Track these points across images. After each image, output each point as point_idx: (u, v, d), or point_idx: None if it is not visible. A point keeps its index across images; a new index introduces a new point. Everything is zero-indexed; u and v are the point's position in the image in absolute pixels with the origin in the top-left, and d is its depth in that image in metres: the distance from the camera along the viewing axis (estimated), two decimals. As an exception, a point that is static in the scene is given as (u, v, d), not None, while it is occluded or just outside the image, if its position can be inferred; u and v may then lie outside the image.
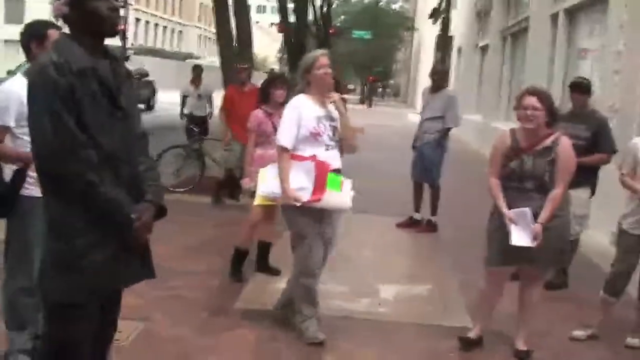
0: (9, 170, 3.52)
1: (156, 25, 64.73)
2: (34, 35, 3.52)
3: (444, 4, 29.66)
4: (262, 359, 4.16)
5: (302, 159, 4.30)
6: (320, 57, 4.45)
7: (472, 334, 4.53)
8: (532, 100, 4.22)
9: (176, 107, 12.11)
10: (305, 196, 4.22)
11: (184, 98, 11.67)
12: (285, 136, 4.35)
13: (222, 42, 13.28)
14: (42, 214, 2.76)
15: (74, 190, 2.57)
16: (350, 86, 59.59)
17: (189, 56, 57.72)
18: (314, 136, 4.32)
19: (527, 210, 4.19)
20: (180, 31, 75.48)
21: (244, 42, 13.39)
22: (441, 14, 30.24)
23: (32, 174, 3.38)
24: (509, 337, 4.56)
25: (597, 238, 7.19)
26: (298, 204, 4.23)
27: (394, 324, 4.89)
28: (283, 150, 4.34)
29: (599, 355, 4.58)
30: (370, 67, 52.91)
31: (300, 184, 4.24)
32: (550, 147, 4.24)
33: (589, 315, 4.92)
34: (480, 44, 21.63)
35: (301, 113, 4.34)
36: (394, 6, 60.90)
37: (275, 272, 5.64)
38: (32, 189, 3.40)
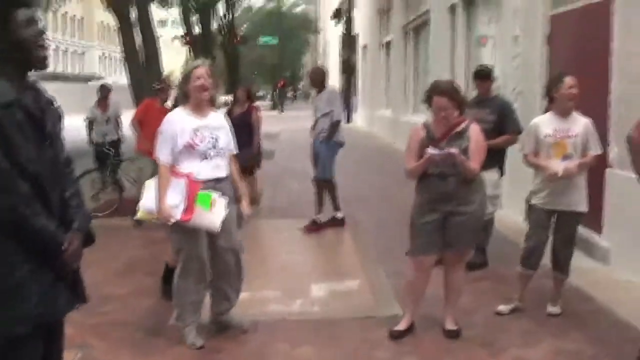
0: None
1: (56, 48, 62.77)
2: None
3: (346, 5, 30.20)
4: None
5: (178, 175, 4.35)
6: (196, 68, 4.45)
7: (401, 326, 4.66)
8: (442, 102, 4.37)
9: (81, 133, 10.95)
10: (178, 214, 4.28)
11: (90, 123, 10.73)
12: (160, 151, 4.40)
13: (130, 60, 13.06)
14: None
15: (6, 224, 2.55)
16: (260, 93, 59.53)
17: (92, 77, 56.17)
18: (189, 148, 4.35)
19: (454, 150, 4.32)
20: (82, 53, 73.54)
21: (151, 58, 13.25)
22: (343, 14, 30.78)
23: None
24: (439, 320, 4.75)
25: (511, 216, 7.52)
26: (171, 222, 4.31)
27: (327, 320, 5.00)
28: (161, 165, 4.39)
29: (523, 326, 4.81)
30: (279, 73, 53.12)
31: (174, 201, 4.28)
32: (462, 132, 4.44)
33: (511, 290, 5.18)
34: (384, 41, 22.07)
35: (175, 127, 4.38)
36: (296, 9, 61.41)
37: None
38: None
